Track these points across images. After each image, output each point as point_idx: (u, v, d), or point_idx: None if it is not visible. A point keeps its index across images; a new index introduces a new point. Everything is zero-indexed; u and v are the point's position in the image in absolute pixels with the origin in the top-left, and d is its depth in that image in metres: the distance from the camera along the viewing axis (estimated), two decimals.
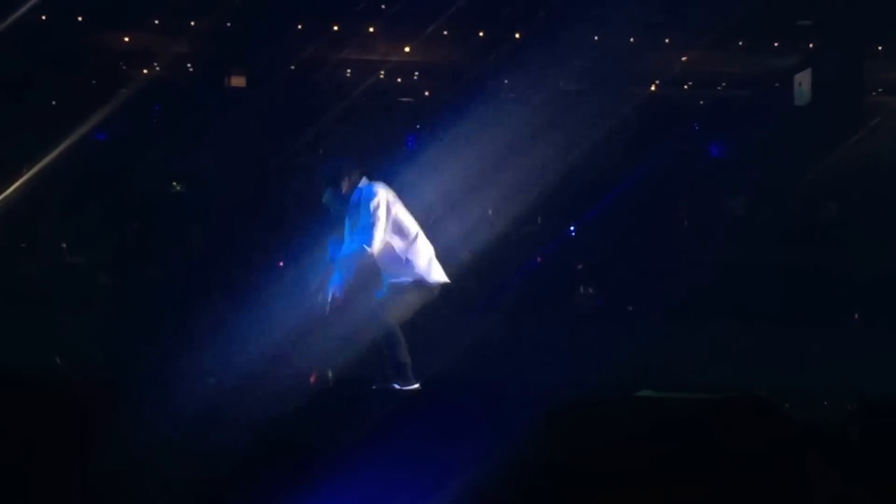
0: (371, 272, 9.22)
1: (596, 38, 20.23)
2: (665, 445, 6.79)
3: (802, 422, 6.99)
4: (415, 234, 9.20)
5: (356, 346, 9.05)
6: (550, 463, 6.78)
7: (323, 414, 7.52)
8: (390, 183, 9.38)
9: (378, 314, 9.03)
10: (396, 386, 8.99)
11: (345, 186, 9.16)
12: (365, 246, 8.98)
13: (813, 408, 7.59)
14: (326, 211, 9.36)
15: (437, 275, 9.23)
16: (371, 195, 9.03)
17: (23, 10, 17.02)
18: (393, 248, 9.11)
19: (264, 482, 6.79)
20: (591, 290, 15.16)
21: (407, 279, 9.13)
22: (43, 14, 18.77)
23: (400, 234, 9.15)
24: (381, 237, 9.02)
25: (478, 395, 8.68)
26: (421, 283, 9.15)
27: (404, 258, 9.13)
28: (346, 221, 9.21)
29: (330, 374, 9.57)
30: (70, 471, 6.74)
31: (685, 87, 22.90)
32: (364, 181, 9.20)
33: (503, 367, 11.49)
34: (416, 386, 9.04)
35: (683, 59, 21.82)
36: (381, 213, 9.01)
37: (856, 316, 14.43)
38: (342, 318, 9.16)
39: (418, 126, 20.50)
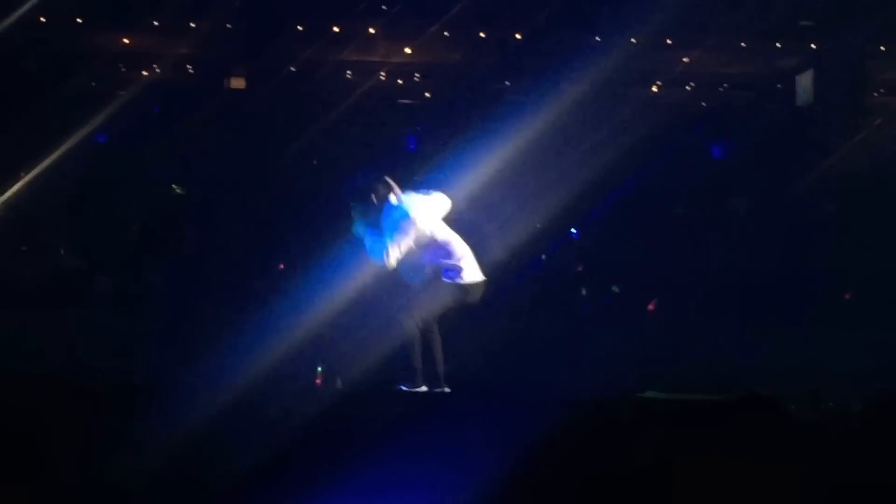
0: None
1: (597, 38, 20.21)
2: (669, 445, 6.77)
3: (806, 420, 6.96)
4: (445, 241, 9.06)
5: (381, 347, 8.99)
6: (557, 464, 6.76)
7: (334, 417, 7.48)
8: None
9: (400, 313, 8.96)
10: (403, 388, 8.92)
11: (375, 199, 9.00)
12: (382, 263, 8.92)
13: (818, 408, 7.55)
14: (353, 235, 9.20)
15: (471, 274, 9.08)
16: (400, 214, 8.92)
17: (22, 11, 17.00)
18: (417, 259, 9.02)
19: (274, 487, 6.78)
20: (594, 291, 15.14)
21: (430, 276, 9.02)
22: (42, 16, 18.75)
23: (428, 247, 9.06)
24: (396, 255, 8.92)
25: (482, 396, 8.66)
26: (449, 280, 9.02)
27: (430, 267, 9.02)
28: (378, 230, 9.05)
29: (339, 382, 9.53)
30: (71, 471, 6.73)
31: (687, 88, 22.88)
32: (392, 196, 9.05)
33: (507, 368, 11.45)
34: (423, 388, 8.97)
35: (685, 59, 21.81)
36: (404, 232, 8.93)
37: (859, 315, 14.41)
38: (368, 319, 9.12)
39: (418, 128, 20.46)
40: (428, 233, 9.03)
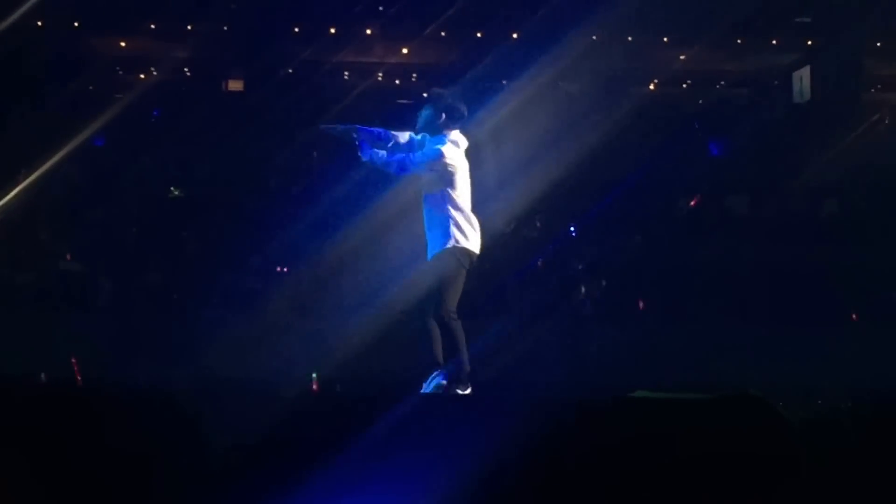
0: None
1: (594, 37, 20.21)
2: (659, 445, 6.78)
3: (796, 419, 6.98)
4: (462, 202, 9.02)
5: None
6: (547, 463, 6.78)
7: (332, 416, 7.51)
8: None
9: (433, 291, 8.92)
10: (447, 386, 8.81)
11: (440, 120, 9.01)
12: (397, 172, 8.96)
13: (808, 405, 7.58)
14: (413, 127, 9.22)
15: (474, 244, 9.08)
16: (437, 153, 8.91)
17: (19, 15, 17.01)
18: (440, 207, 8.99)
19: (271, 486, 6.80)
20: (588, 290, 15.16)
21: (446, 245, 8.99)
22: (39, 20, 18.77)
23: (451, 197, 8.99)
24: (413, 176, 8.97)
25: (476, 396, 8.69)
26: (455, 250, 8.99)
27: (447, 221, 8.99)
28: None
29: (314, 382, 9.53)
30: (71, 472, 6.77)
31: (684, 85, 22.87)
32: (454, 134, 9.03)
33: (500, 368, 11.48)
34: (468, 390, 8.87)
35: (682, 57, 21.80)
36: (433, 168, 8.91)
37: (853, 314, 14.44)
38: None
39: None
40: (449, 180, 8.99)
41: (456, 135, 9.01)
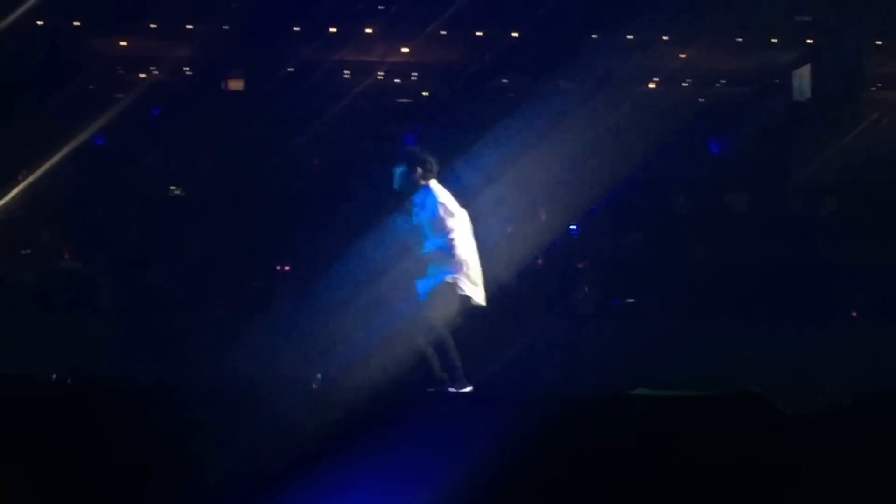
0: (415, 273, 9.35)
1: (594, 35, 20.23)
2: (659, 443, 6.79)
3: (796, 416, 6.98)
4: (463, 245, 9.29)
5: (402, 348, 9.17)
6: (547, 461, 6.79)
7: (333, 416, 7.51)
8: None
9: (424, 317, 9.15)
10: (451, 389, 9.02)
11: (417, 174, 9.20)
12: (420, 254, 9.16)
13: (808, 402, 7.58)
14: (394, 191, 9.51)
15: (475, 292, 9.33)
16: (434, 207, 9.18)
17: (20, 14, 17.02)
18: (442, 250, 9.20)
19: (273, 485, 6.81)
20: (589, 289, 15.15)
21: (449, 276, 9.14)
22: (40, 20, 18.78)
23: (448, 241, 9.19)
24: (431, 245, 9.21)
25: (476, 396, 8.70)
26: (458, 287, 9.21)
27: (449, 261, 9.20)
28: (406, 212, 9.40)
29: (315, 382, 9.61)
30: (74, 473, 6.77)
31: (684, 84, 22.90)
32: (433, 183, 9.29)
33: (500, 367, 11.48)
34: (469, 388, 9.06)
35: (682, 56, 21.81)
36: (438, 224, 9.11)
37: (853, 311, 14.44)
38: (389, 319, 9.29)
39: (417, 127, 20.45)
40: (442, 225, 9.16)
41: (434, 184, 9.31)
